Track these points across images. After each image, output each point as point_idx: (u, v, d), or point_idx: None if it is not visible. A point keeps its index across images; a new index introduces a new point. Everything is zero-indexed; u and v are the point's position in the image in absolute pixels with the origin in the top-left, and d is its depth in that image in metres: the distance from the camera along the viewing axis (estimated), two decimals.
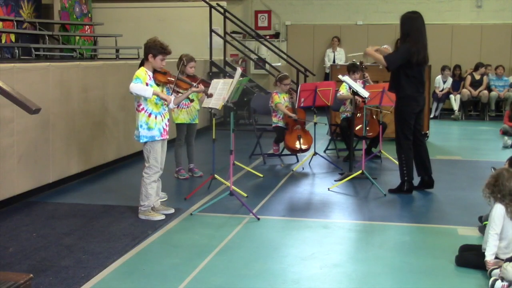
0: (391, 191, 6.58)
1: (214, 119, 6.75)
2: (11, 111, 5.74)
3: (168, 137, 5.75)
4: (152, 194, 5.64)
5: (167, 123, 5.71)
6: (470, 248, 4.56)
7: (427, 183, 6.68)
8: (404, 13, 6.51)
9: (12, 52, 9.67)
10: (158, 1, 13.96)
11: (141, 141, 5.59)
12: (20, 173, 6.05)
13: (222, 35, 11.94)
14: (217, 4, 11.92)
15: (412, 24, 6.39)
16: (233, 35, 12.98)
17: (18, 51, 9.14)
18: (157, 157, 5.63)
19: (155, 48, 5.52)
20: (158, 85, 5.60)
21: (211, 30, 11.68)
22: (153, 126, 5.55)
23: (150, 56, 5.53)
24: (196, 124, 7.39)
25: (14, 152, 5.94)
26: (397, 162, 6.67)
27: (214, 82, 6.23)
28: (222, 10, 11.98)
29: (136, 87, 5.42)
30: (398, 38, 6.77)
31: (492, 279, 4.02)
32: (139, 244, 4.94)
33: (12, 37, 10.82)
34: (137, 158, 7.95)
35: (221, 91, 5.97)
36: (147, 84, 5.48)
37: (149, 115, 5.54)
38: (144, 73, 5.51)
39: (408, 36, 6.35)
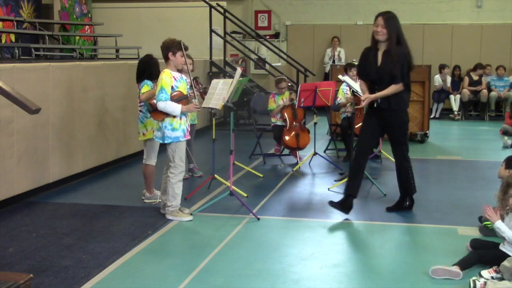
0: (389, 209, 5.96)
1: (214, 119, 6.75)
2: (11, 111, 5.74)
3: (189, 137, 5.77)
4: (179, 193, 5.62)
5: (189, 123, 5.77)
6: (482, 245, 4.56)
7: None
8: (383, 12, 5.70)
9: (12, 52, 9.66)
10: (158, 1, 13.96)
11: (165, 142, 5.56)
12: (20, 173, 6.05)
13: (222, 35, 11.94)
14: (217, 4, 11.92)
15: (399, 25, 5.66)
16: (233, 35, 12.98)
17: (18, 51, 9.13)
18: (182, 157, 5.62)
19: (173, 46, 5.51)
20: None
21: (211, 30, 11.68)
22: (177, 127, 5.54)
23: (170, 54, 5.51)
24: (195, 124, 7.40)
25: (14, 152, 5.94)
26: (404, 180, 5.91)
27: (214, 82, 6.23)
28: (222, 10, 11.98)
29: (165, 106, 5.40)
30: None
31: (472, 279, 4.03)
32: (139, 244, 4.94)
33: (12, 37, 10.81)
34: (136, 158, 7.94)
35: (221, 91, 5.97)
36: (172, 88, 5.47)
37: (174, 116, 5.52)
38: (169, 77, 5.46)
39: (401, 38, 5.63)
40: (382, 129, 5.89)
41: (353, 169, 5.87)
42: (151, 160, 6.15)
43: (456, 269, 4.22)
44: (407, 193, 5.95)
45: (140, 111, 6.13)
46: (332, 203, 5.81)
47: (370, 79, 5.73)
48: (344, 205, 5.77)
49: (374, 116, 5.78)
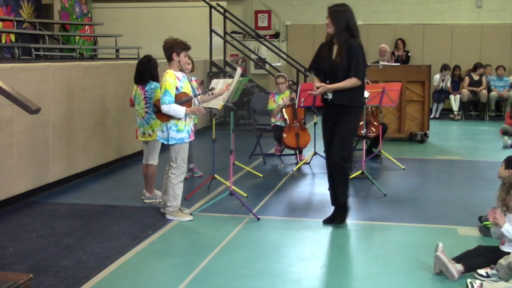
0: (325, 222, 5.52)
1: (214, 119, 6.75)
2: (11, 111, 5.74)
3: (193, 138, 5.76)
4: (180, 194, 5.62)
5: (193, 123, 5.76)
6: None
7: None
8: (331, 6, 5.45)
9: (12, 52, 9.67)
10: (158, 1, 13.96)
11: (170, 143, 5.52)
12: (20, 173, 6.04)
13: (222, 35, 11.94)
14: (217, 4, 11.93)
15: (351, 19, 5.39)
16: (233, 35, 12.98)
17: (18, 51, 9.13)
18: (184, 158, 5.62)
19: (176, 46, 5.47)
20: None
21: (211, 30, 11.68)
22: (183, 128, 5.52)
23: (174, 54, 5.47)
24: (195, 124, 7.38)
25: (14, 152, 5.94)
26: (335, 183, 5.50)
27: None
28: (222, 10, 11.98)
29: (168, 110, 5.36)
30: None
31: (468, 281, 4.03)
32: (139, 244, 4.94)
33: (12, 37, 10.82)
34: (137, 158, 7.94)
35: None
36: (177, 88, 5.44)
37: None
38: (172, 79, 5.42)
39: (355, 31, 5.38)
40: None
41: (332, 179, 5.52)
42: (154, 160, 6.14)
43: (457, 271, 4.20)
44: (339, 202, 5.47)
45: (146, 112, 6.10)
46: (325, 221, 5.52)
47: (324, 73, 5.50)
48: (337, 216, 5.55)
49: (328, 119, 5.56)
